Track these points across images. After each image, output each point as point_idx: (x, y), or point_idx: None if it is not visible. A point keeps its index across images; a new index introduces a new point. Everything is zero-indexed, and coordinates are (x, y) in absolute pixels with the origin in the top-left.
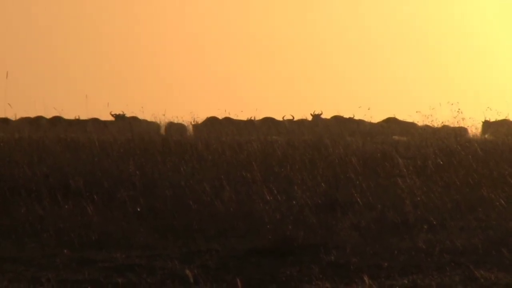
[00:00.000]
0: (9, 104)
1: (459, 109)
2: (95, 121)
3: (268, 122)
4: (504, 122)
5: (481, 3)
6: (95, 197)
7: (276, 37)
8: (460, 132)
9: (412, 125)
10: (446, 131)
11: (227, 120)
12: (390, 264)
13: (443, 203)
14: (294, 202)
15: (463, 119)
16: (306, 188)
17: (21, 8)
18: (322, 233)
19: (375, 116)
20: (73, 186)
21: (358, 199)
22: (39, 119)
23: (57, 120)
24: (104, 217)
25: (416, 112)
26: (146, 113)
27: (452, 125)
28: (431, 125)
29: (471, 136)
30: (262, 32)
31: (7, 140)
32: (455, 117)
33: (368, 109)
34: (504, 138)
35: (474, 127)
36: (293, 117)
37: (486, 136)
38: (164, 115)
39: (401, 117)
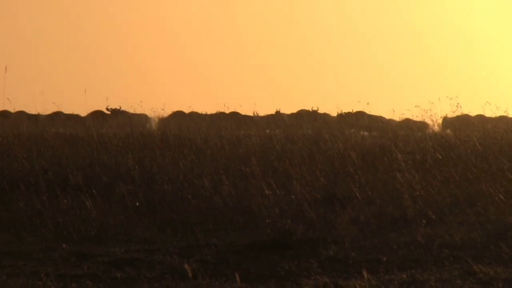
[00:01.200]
0: (8, 98)
1: (458, 103)
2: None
3: (234, 116)
4: (463, 118)
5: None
6: (94, 191)
7: (275, 31)
8: (421, 126)
9: (380, 118)
10: (407, 124)
11: (194, 114)
12: (389, 259)
13: (442, 197)
14: (293, 196)
15: (462, 113)
16: (305, 182)
17: (20, 2)
18: (321, 228)
19: (373, 110)
20: (72, 180)
21: (357, 194)
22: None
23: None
24: (103, 212)
25: (415, 106)
26: (145, 107)
27: (414, 119)
28: (395, 119)
29: (431, 131)
30: (261, 26)
31: (6, 135)
32: (454, 112)
33: (367, 103)
34: (463, 132)
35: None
36: (257, 114)
37: (448, 131)
38: (163, 109)
39: (399, 112)
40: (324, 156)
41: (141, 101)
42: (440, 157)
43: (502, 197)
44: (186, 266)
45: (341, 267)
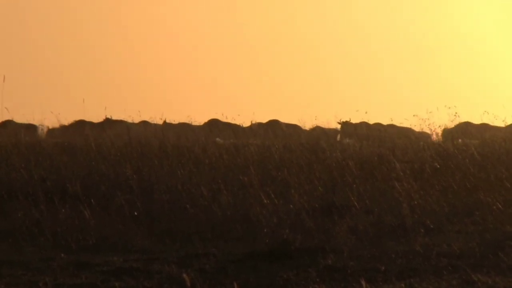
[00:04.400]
0: (6, 108)
1: (456, 112)
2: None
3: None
4: (361, 125)
5: (478, 7)
6: (92, 200)
7: (273, 40)
8: (333, 134)
9: (235, 126)
10: (316, 133)
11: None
12: (387, 268)
13: (440, 206)
14: (291, 205)
15: (460, 123)
16: (303, 191)
17: (18, 12)
18: (319, 237)
19: (371, 119)
20: (70, 189)
21: (355, 203)
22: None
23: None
24: (101, 221)
25: (414, 116)
26: (144, 116)
27: (324, 127)
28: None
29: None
30: (259, 35)
31: (4, 144)
32: (452, 121)
33: (366, 112)
34: (363, 141)
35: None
36: (165, 121)
37: (346, 139)
38: (161, 118)
39: (398, 121)
40: (322, 165)
41: (139, 111)
42: (438, 166)
43: (500, 206)
44: (184, 275)
45: (339, 276)
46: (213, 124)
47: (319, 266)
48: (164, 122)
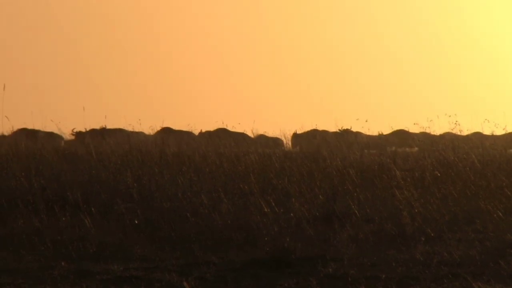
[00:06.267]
0: (6, 116)
1: (456, 121)
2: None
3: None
4: (312, 133)
5: (478, 14)
6: (92, 209)
7: (275, 48)
8: (277, 142)
9: (187, 134)
10: (262, 140)
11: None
12: (387, 276)
13: (440, 214)
14: (291, 214)
15: (460, 131)
16: (304, 200)
17: (19, 20)
18: (320, 245)
19: (372, 128)
20: (70, 198)
21: (356, 211)
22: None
23: None
24: (101, 229)
25: (414, 124)
26: (144, 125)
27: (269, 135)
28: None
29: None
30: (260, 43)
31: (5, 152)
32: (452, 129)
33: (366, 121)
34: (315, 148)
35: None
36: (104, 126)
37: (298, 148)
38: (161, 127)
39: (398, 129)
40: (323, 174)
41: (139, 119)
42: (439, 174)
43: (500, 214)
44: (185, 284)
45: (340, 284)
46: (166, 132)
47: (320, 275)
48: (102, 128)
